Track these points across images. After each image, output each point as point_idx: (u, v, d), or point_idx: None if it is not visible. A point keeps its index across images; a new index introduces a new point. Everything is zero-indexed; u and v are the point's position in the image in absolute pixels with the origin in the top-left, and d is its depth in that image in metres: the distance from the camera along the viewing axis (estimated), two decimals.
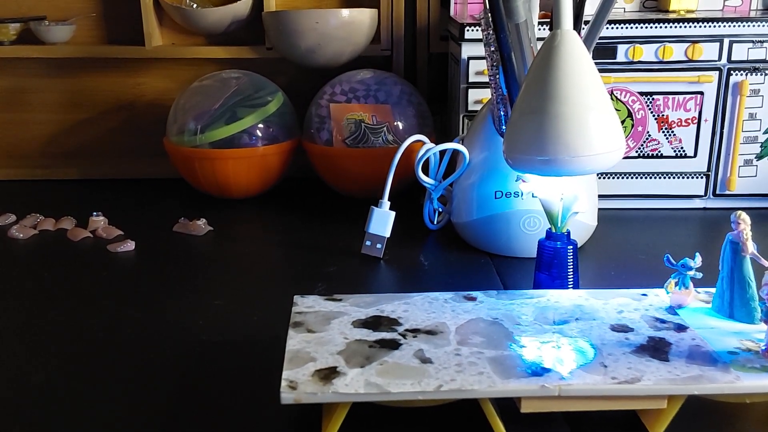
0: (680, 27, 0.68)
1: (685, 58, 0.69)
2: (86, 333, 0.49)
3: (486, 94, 0.71)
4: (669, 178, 0.72)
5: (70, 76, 0.88)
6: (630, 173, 0.72)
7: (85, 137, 0.90)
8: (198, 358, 0.46)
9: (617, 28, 0.68)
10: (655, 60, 0.69)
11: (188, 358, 0.46)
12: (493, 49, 0.58)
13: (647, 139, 0.71)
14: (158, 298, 0.55)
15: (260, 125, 0.74)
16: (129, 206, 0.77)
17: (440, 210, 0.68)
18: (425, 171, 0.64)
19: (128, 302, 0.54)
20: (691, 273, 0.44)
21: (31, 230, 0.69)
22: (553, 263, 0.50)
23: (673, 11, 0.71)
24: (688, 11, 0.71)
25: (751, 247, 0.41)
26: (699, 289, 0.45)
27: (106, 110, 0.89)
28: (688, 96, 0.70)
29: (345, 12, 0.76)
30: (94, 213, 0.70)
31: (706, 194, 0.73)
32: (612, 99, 0.69)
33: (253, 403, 0.41)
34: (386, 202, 0.62)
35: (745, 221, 0.41)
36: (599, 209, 0.64)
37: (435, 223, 0.68)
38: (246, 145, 0.74)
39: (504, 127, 0.59)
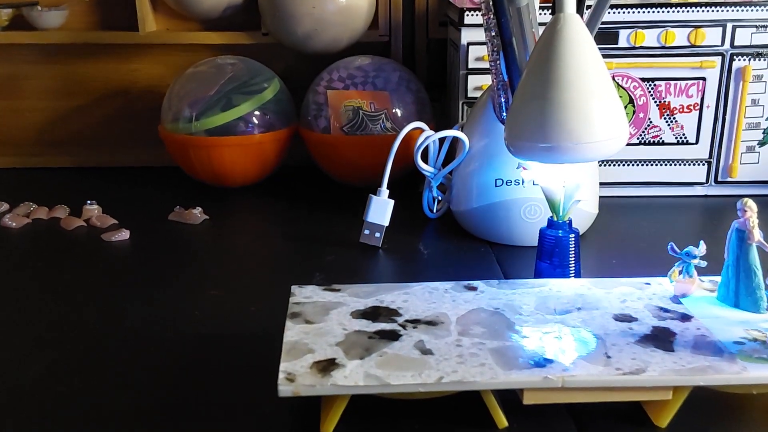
0: (683, 12, 0.67)
1: (688, 44, 0.68)
2: (80, 323, 0.49)
3: (486, 81, 0.70)
4: (670, 165, 0.72)
5: (63, 62, 0.87)
6: (631, 160, 0.72)
7: (79, 125, 0.89)
8: (193, 349, 0.45)
9: (619, 12, 0.67)
10: (658, 45, 0.68)
11: (183, 348, 0.45)
12: (493, 34, 0.57)
13: (649, 125, 0.71)
14: (153, 288, 0.54)
15: (256, 112, 0.73)
16: (123, 195, 0.76)
17: (440, 198, 0.67)
18: (424, 159, 0.64)
19: (123, 292, 0.53)
20: (696, 261, 0.43)
21: (24, 219, 0.68)
22: (554, 252, 0.49)
23: None
24: None
25: (757, 234, 0.41)
26: (703, 278, 0.45)
27: (99, 97, 0.88)
28: (690, 82, 0.69)
29: None
30: (88, 201, 0.69)
31: (707, 181, 0.72)
32: (614, 85, 0.68)
33: (250, 396, 0.40)
34: (385, 191, 0.61)
35: (751, 209, 0.40)
36: (600, 197, 0.64)
37: (434, 211, 0.67)
38: (242, 132, 0.73)
39: (505, 114, 0.58)
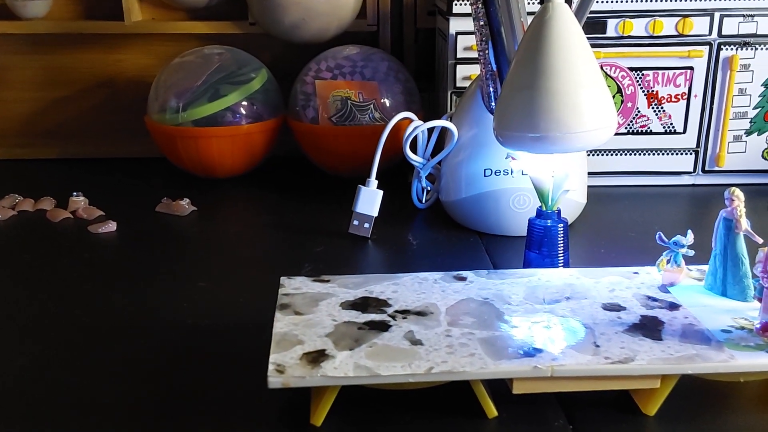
0: (670, 0, 0.67)
1: (676, 33, 0.68)
2: (67, 316, 0.48)
3: (475, 70, 0.70)
4: (658, 154, 0.72)
5: (48, 52, 0.86)
6: (619, 150, 0.72)
7: (64, 115, 0.88)
8: (182, 341, 0.45)
9: (607, 1, 0.67)
10: (645, 35, 0.68)
11: (172, 340, 0.45)
12: (482, 23, 0.57)
13: (637, 115, 0.71)
14: (141, 280, 0.54)
15: (244, 102, 0.73)
16: (110, 186, 0.76)
17: (429, 188, 0.67)
18: (413, 149, 0.63)
19: (110, 284, 0.53)
20: (683, 250, 0.43)
21: (10, 211, 0.67)
22: (543, 242, 0.50)
23: None
24: None
25: (744, 224, 0.41)
26: (691, 267, 0.45)
27: (85, 88, 0.87)
28: (678, 71, 0.69)
29: None
30: (74, 193, 0.69)
31: (695, 170, 0.73)
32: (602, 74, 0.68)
33: (240, 387, 0.40)
34: (374, 181, 0.61)
35: (739, 198, 0.41)
36: (588, 187, 0.64)
37: (423, 201, 0.67)
38: (230, 123, 0.72)
39: (494, 104, 0.58)
